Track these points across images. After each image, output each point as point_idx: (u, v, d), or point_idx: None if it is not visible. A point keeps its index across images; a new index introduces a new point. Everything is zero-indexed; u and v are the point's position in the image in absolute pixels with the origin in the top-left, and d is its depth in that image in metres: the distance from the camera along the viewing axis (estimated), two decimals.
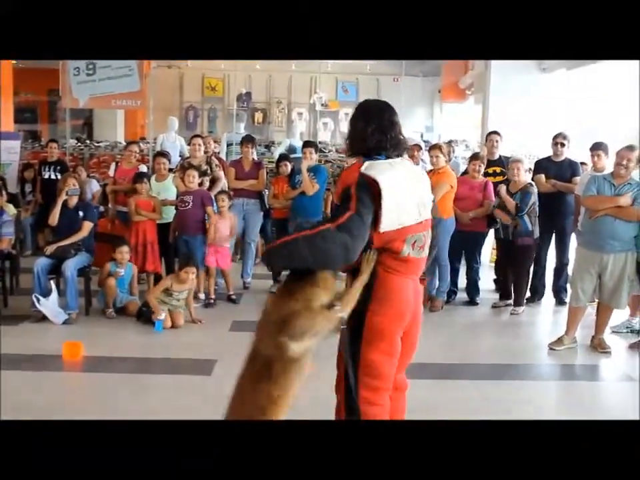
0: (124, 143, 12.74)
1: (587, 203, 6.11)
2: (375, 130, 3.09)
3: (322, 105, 17.82)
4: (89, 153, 11.90)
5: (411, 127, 14.86)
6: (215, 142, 10.14)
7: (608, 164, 6.95)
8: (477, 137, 12.49)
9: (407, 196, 3.01)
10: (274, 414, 2.93)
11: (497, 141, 8.15)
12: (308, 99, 17.92)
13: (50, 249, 6.79)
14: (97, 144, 12.43)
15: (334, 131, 17.70)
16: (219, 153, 10.06)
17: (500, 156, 8.15)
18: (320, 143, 12.79)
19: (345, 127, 17.77)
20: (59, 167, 9.91)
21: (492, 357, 6.05)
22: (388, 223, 2.95)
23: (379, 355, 3.05)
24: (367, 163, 3.01)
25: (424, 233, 3.11)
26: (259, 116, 17.51)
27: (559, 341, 6.17)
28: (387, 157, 3.11)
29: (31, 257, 9.26)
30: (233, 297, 7.48)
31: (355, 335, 3.05)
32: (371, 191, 2.92)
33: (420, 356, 5.63)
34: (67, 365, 5.55)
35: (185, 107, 17.37)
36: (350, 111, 17.38)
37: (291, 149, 10.86)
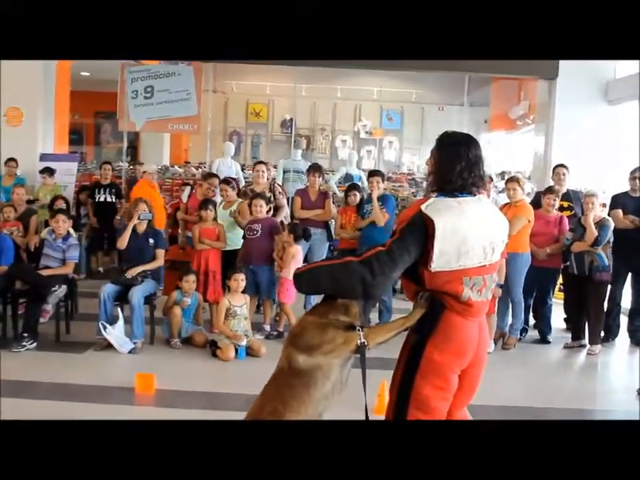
0: (176, 168, 12.75)
1: None
2: (463, 168, 2.96)
3: (366, 132, 17.74)
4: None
5: None
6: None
7: None
8: (530, 168, 12.26)
9: (471, 237, 2.87)
10: None
11: (564, 174, 7.91)
12: (352, 126, 17.85)
13: (131, 273, 6.61)
14: None
15: (377, 159, 17.58)
16: (274, 179, 9.92)
17: (568, 190, 7.90)
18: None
19: (388, 155, 17.77)
20: (113, 190, 9.83)
21: (577, 401, 5.74)
22: (441, 264, 2.84)
23: (433, 390, 2.93)
24: (431, 200, 2.90)
25: (485, 276, 2.97)
26: (302, 142, 17.45)
27: None
28: (469, 194, 2.97)
29: (84, 280, 9.14)
30: None
31: (411, 366, 2.97)
32: (423, 230, 2.84)
33: (502, 398, 5.52)
34: (139, 399, 5.35)
35: (229, 132, 17.34)
36: (394, 139, 17.68)
37: (348, 178, 10.70)
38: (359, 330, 2.93)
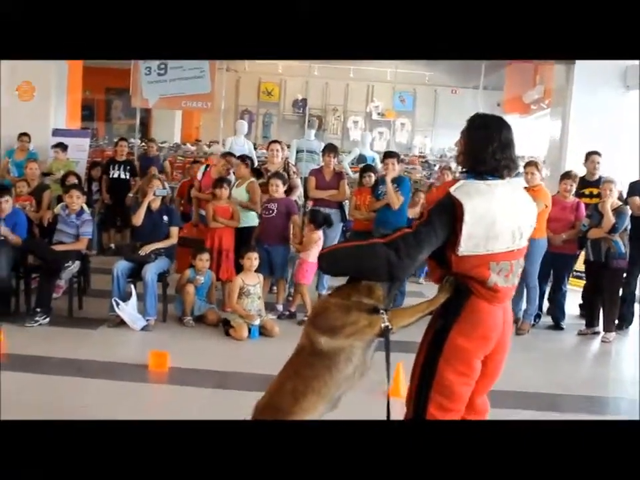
0: (188, 146, 12.70)
1: None
2: (495, 149, 2.90)
3: (378, 114, 17.64)
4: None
5: None
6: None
7: None
8: (544, 152, 12.15)
9: (500, 221, 2.82)
10: (293, 412, 2.86)
11: (598, 162, 7.81)
12: (364, 107, 17.75)
13: (145, 250, 6.58)
14: (160, 145, 12.29)
15: (389, 141, 17.48)
16: (287, 159, 9.85)
17: (600, 177, 7.79)
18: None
19: (400, 137, 17.66)
20: (128, 167, 9.78)
21: (590, 388, 5.71)
22: (469, 247, 2.80)
23: (456, 376, 2.88)
24: (460, 183, 2.85)
25: (512, 261, 2.91)
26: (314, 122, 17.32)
27: None
28: (499, 177, 2.92)
29: (96, 256, 9.12)
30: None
31: (434, 351, 2.92)
32: (452, 213, 2.78)
33: (514, 384, 5.48)
34: (152, 376, 5.33)
35: (240, 111, 17.25)
36: (406, 121, 17.55)
37: (361, 159, 10.63)
38: (382, 313, 2.88)
